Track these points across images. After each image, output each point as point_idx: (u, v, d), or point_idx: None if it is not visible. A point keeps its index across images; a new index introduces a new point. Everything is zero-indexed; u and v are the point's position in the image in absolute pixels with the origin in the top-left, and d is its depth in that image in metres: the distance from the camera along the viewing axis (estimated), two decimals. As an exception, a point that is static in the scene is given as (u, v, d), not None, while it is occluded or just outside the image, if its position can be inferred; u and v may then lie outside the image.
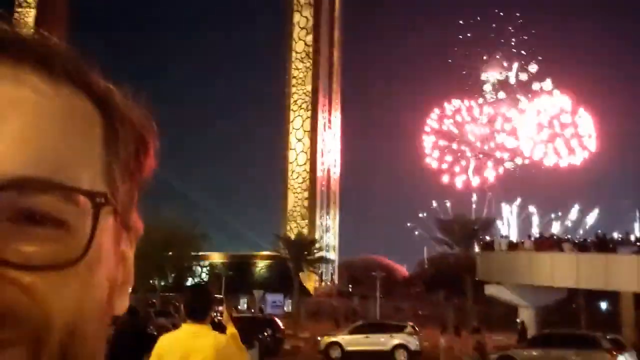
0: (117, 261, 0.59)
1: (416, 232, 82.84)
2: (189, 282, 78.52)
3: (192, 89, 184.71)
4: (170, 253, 54.38)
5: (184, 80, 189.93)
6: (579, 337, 24.85)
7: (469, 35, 79.80)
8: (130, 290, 0.60)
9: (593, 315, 41.20)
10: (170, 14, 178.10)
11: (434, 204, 76.31)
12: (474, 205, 75.70)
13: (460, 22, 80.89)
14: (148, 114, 0.58)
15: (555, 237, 46.09)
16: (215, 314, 12.75)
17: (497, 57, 79.51)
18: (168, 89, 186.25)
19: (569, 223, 75.12)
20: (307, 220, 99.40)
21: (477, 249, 53.65)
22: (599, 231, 40.76)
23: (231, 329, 4.83)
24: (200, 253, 71.60)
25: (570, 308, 45.09)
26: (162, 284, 58.73)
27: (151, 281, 54.84)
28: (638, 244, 38.03)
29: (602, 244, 36.51)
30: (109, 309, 0.57)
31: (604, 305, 53.72)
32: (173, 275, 59.77)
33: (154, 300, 51.19)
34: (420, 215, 79.19)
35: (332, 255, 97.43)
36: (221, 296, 40.87)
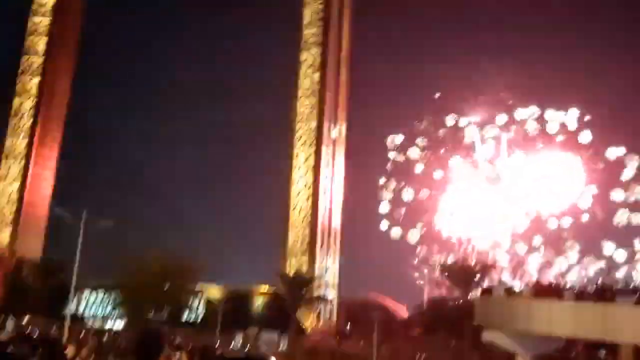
0: None
1: (416, 274, 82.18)
2: (185, 316, 77.53)
3: (202, 112, 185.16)
4: (169, 284, 53.75)
5: (192, 108, 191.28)
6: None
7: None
8: None
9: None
10: (178, 47, 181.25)
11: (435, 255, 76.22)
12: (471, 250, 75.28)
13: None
14: None
15: (554, 284, 45.61)
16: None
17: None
18: (182, 116, 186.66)
19: (564, 268, 74.55)
20: (307, 257, 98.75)
21: (476, 293, 53.02)
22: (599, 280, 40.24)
23: None
24: (198, 286, 70.83)
25: (568, 357, 44.29)
26: (156, 319, 57.59)
27: (145, 315, 53.55)
28: (638, 293, 37.48)
29: (600, 293, 36.03)
30: None
31: (603, 355, 52.67)
32: (169, 309, 59.01)
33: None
34: (423, 264, 79.00)
35: (331, 293, 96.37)
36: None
